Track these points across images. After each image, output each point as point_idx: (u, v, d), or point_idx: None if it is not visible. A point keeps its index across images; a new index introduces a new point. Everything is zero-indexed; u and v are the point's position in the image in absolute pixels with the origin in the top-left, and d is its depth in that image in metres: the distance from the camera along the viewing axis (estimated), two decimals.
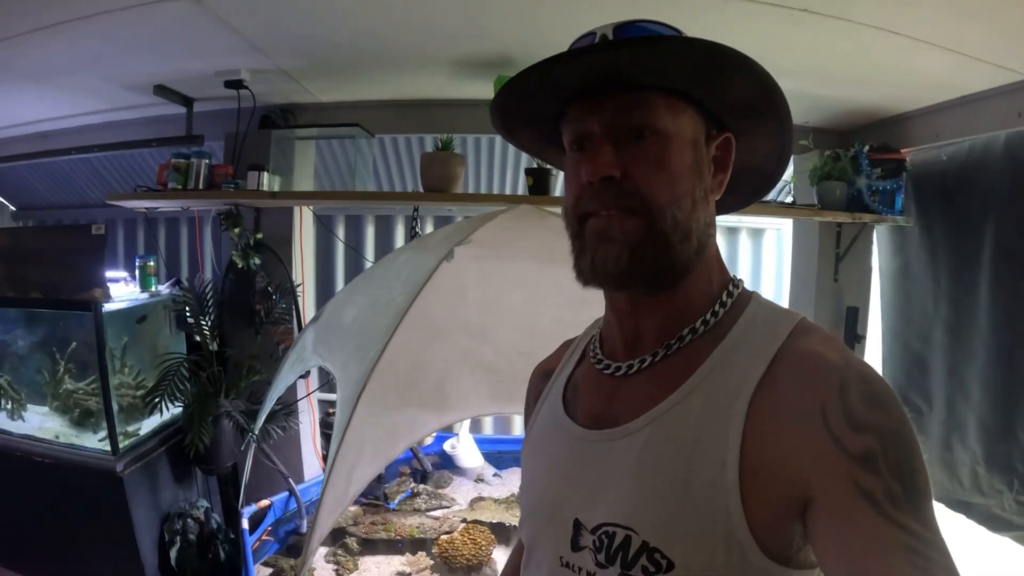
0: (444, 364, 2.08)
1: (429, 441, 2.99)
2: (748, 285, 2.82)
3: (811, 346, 0.62)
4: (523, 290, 2.06)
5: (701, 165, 0.69)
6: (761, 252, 3.36)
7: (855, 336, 2.65)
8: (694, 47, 0.62)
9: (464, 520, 2.51)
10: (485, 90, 2.26)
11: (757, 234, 3.35)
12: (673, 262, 0.66)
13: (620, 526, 0.63)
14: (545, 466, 0.77)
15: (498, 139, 3.00)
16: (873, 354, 2.74)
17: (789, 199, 2.59)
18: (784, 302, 3.12)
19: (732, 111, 0.70)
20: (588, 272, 0.68)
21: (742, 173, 0.74)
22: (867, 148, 2.40)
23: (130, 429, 2.70)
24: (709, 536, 0.59)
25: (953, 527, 2.42)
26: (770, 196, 2.62)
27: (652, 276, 0.66)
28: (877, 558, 0.50)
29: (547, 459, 0.77)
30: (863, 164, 2.39)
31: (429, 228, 3.45)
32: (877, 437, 0.54)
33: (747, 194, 0.81)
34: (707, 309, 0.69)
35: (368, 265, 3.37)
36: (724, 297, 0.70)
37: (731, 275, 0.73)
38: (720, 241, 3.29)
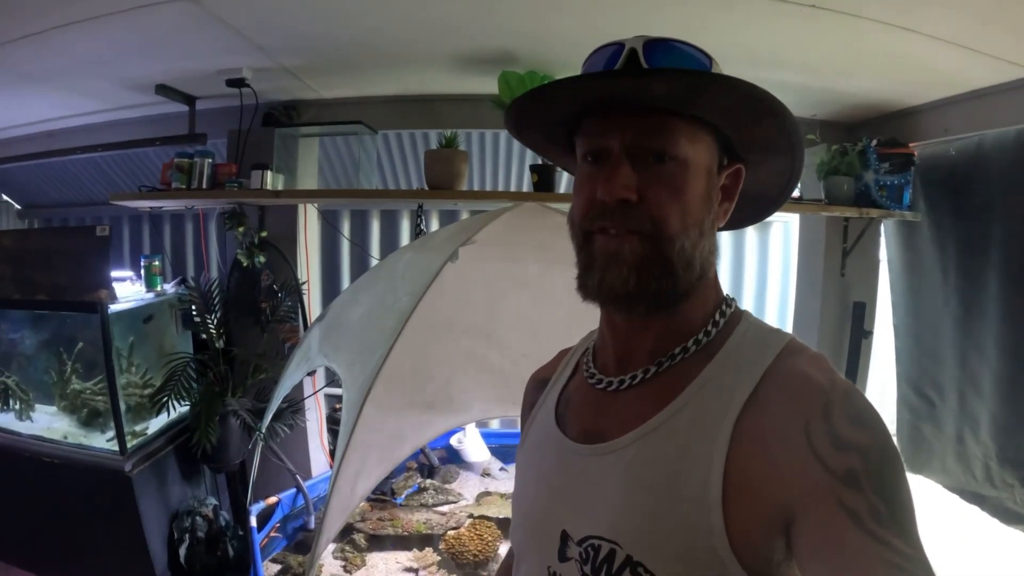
0: (449, 367, 2.08)
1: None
2: (754, 278, 2.78)
3: (797, 366, 0.63)
4: (527, 290, 2.05)
5: (712, 194, 0.69)
6: (768, 245, 3.33)
7: (862, 332, 2.63)
8: (734, 88, 0.62)
9: (471, 515, 2.51)
10: (489, 85, 2.25)
11: (764, 227, 3.33)
12: (675, 287, 0.66)
13: (605, 539, 0.65)
14: (536, 476, 0.79)
15: (502, 135, 2.98)
16: (881, 349, 2.73)
17: (796, 193, 2.57)
18: (791, 297, 3.11)
19: (749, 146, 0.70)
20: (593, 290, 0.68)
21: (743, 198, 0.74)
22: (875, 143, 2.37)
23: (138, 428, 2.71)
24: (691, 552, 0.60)
25: (967, 519, 2.45)
26: None
27: (654, 299, 0.66)
28: (861, 575, 0.51)
29: (538, 470, 0.78)
30: (871, 159, 2.36)
31: (435, 223, 3.44)
32: (861, 456, 0.55)
33: (744, 218, 0.81)
34: (700, 329, 0.70)
35: (374, 262, 3.36)
36: (717, 317, 0.71)
37: (724, 294, 0.74)
38: (726, 234, 3.30)
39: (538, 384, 0.89)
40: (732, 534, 0.58)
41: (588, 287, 0.68)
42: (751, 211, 0.79)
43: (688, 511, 0.60)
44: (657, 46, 0.65)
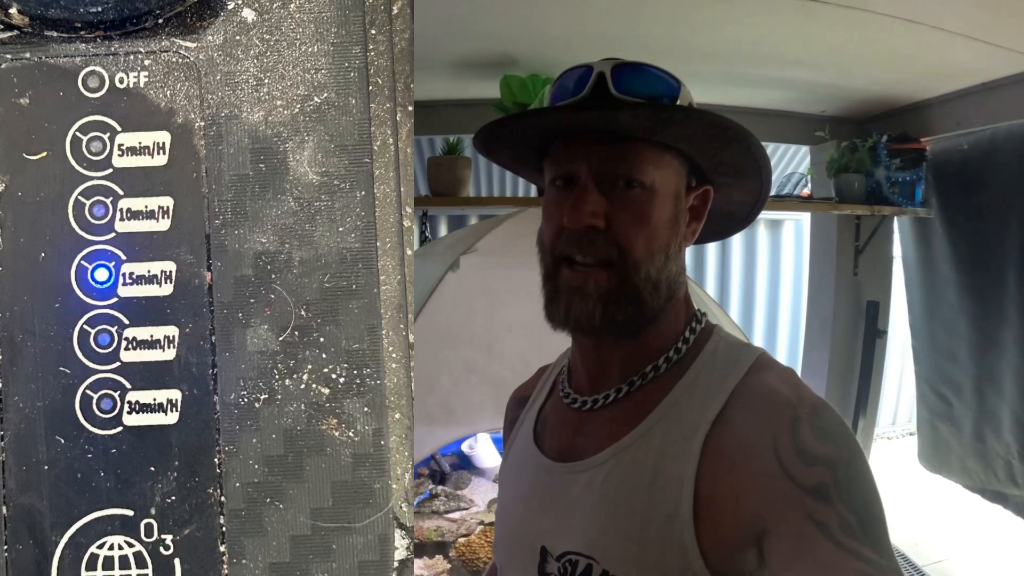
0: (450, 378, 2.05)
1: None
2: (767, 278, 2.77)
3: (766, 382, 0.64)
4: (530, 298, 2.01)
5: (679, 217, 0.70)
6: (780, 244, 3.31)
7: (876, 331, 2.60)
8: (697, 118, 0.64)
9: (482, 522, 2.50)
10: (491, 90, 2.25)
11: (775, 225, 3.30)
12: (643, 312, 0.67)
13: (583, 555, 0.66)
14: (516, 494, 0.81)
15: None
16: (898, 349, 2.70)
17: (806, 191, 2.54)
18: (803, 297, 3.08)
19: (717, 169, 0.71)
20: (560, 320, 0.68)
21: (715, 215, 0.76)
22: (885, 138, 2.34)
23: None
24: (666, 566, 0.61)
25: (990, 518, 2.49)
26: (785, 190, 2.59)
27: (623, 326, 0.67)
28: None
29: (518, 487, 0.80)
30: (881, 155, 2.33)
31: (443, 229, 3.44)
32: (829, 469, 0.57)
33: (714, 233, 0.82)
34: (671, 346, 0.71)
35: None
36: (687, 333, 0.71)
37: (695, 310, 0.75)
38: (737, 235, 3.27)
39: (519, 401, 0.90)
40: (705, 548, 0.60)
41: (555, 318, 0.69)
42: (722, 227, 0.81)
43: (661, 526, 0.62)
44: (625, 70, 0.67)
